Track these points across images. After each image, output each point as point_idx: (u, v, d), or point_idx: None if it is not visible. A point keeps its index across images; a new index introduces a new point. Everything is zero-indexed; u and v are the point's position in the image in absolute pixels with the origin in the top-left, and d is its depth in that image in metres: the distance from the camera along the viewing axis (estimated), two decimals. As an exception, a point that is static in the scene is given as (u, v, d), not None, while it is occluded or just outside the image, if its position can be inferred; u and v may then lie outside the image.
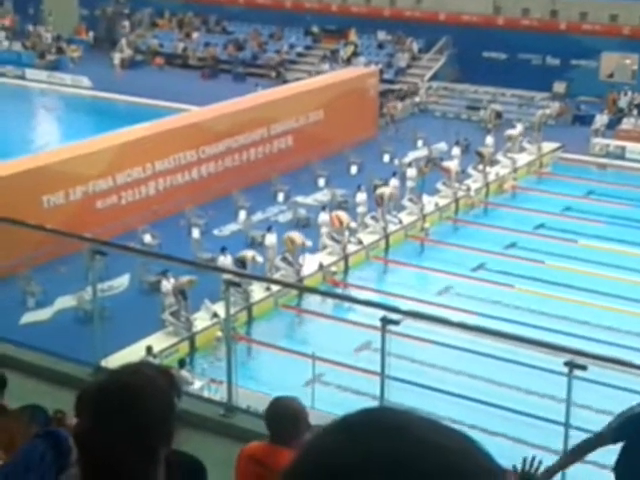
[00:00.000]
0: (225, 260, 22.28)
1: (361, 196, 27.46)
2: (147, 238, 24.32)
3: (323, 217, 26.01)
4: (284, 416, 4.52)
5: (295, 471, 1.21)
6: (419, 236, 27.62)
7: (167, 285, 21.14)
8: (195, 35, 50.23)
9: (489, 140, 33.33)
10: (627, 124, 36.89)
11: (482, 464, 1.24)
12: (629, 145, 34.66)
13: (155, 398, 2.09)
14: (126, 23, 52.43)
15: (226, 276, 8.92)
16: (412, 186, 29.38)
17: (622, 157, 34.37)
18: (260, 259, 22.53)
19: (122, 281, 21.58)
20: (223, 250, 22.66)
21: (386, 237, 26.82)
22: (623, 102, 39.20)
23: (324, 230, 25.74)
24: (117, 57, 47.80)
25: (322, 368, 18.63)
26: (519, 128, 34.58)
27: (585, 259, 25.32)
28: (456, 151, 32.20)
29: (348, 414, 1.26)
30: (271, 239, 24.12)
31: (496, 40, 42.39)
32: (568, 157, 34.50)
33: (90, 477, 2.06)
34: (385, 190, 27.14)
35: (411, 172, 29.86)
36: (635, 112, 38.18)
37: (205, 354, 20.54)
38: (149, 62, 48.70)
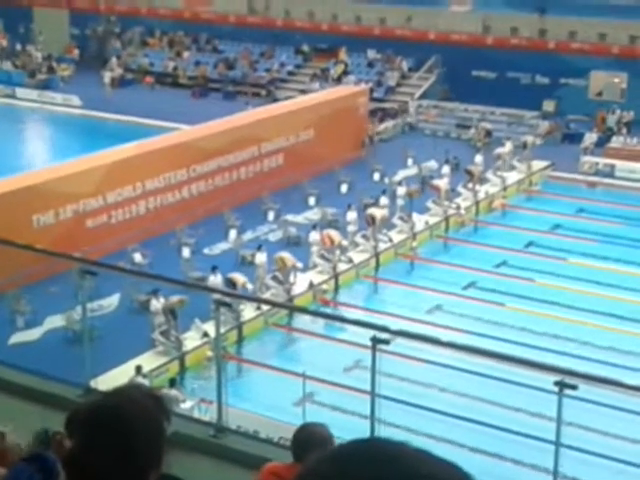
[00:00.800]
0: (215, 279, 22.25)
1: (351, 215, 27.50)
2: (137, 257, 24.27)
3: (314, 236, 26.02)
4: (313, 441, 4.57)
5: None
6: (409, 255, 27.64)
7: (156, 304, 21.09)
8: (186, 54, 50.34)
9: (478, 158, 33.43)
10: (616, 142, 37.05)
11: None
12: (618, 163, 34.80)
13: (145, 421, 2.08)
14: (117, 42, 52.53)
15: (216, 296, 8.90)
16: (402, 204, 29.43)
17: (611, 175, 34.51)
18: (250, 286, 22.40)
19: (112, 301, 21.53)
20: (214, 269, 22.63)
21: (376, 256, 26.83)
22: (612, 120, 39.41)
23: (315, 249, 25.75)
24: (107, 76, 47.82)
25: (313, 387, 18.58)
26: (508, 146, 34.70)
27: (575, 277, 25.38)
28: (446, 169, 32.29)
29: (342, 444, 1.27)
30: (261, 258, 24.10)
31: (485, 59, 42.61)
32: (558, 175, 34.63)
33: None
34: (377, 213, 27.13)
35: (401, 190, 29.94)
36: (624, 130, 38.38)
37: (195, 374, 20.48)
38: (139, 81, 48.76)
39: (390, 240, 27.56)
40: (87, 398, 2.14)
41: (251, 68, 48.06)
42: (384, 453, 1.24)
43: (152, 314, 21.21)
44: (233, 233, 27.23)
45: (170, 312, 20.74)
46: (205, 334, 20.32)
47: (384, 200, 29.06)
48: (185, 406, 17.37)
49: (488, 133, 38.36)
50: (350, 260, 26.10)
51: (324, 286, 24.80)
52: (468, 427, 17.48)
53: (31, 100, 46.12)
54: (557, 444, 7.03)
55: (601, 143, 36.79)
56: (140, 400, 2.14)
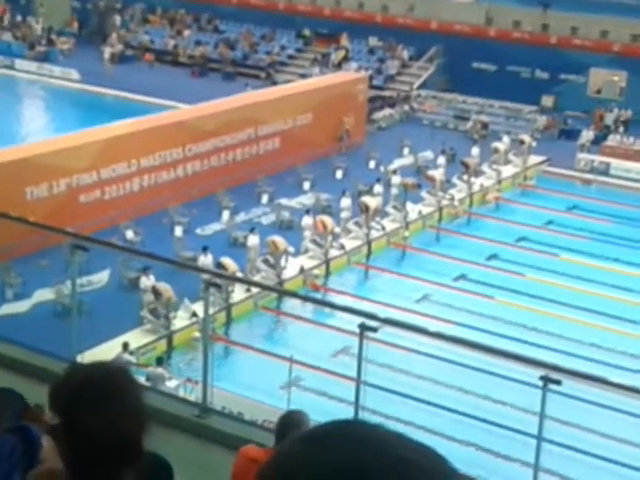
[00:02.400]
0: (206, 259, 22.24)
1: (345, 201, 27.49)
2: (129, 234, 24.26)
3: (306, 220, 26.01)
4: (293, 427, 4.64)
5: (262, 475, 1.26)
6: (401, 243, 27.67)
7: (146, 282, 21.08)
8: (186, 33, 50.18)
9: (475, 151, 33.43)
10: (613, 141, 37.08)
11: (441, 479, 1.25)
12: (614, 162, 34.84)
13: (132, 391, 2.11)
14: (117, 18, 52.31)
15: (206, 276, 8.90)
16: (396, 193, 29.43)
17: (606, 173, 34.55)
18: (240, 275, 22.36)
19: (102, 277, 21.52)
20: (204, 249, 22.62)
21: (368, 243, 26.85)
22: (609, 119, 39.43)
23: (307, 233, 25.75)
24: (107, 51, 47.64)
25: (299, 372, 18.61)
26: (506, 140, 34.68)
27: (566, 273, 25.43)
28: (442, 160, 32.29)
29: (317, 425, 1.28)
30: (253, 240, 24.09)
31: (486, 51, 42.56)
32: (553, 171, 34.66)
33: (71, 470, 2.07)
34: (371, 203, 27.10)
35: (396, 179, 29.92)
36: (621, 129, 38.40)
37: (182, 353, 20.50)
38: (139, 58, 48.59)
39: (383, 228, 27.58)
40: (66, 371, 2.15)
41: (252, 50, 47.93)
42: (359, 435, 1.25)
43: (142, 291, 21.22)
44: (226, 214, 27.21)
45: (155, 292, 20.73)
46: (194, 314, 20.32)
47: (378, 188, 29.06)
48: (171, 385, 17.40)
49: (484, 125, 38.36)
50: (342, 247, 26.12)
51: (315, 271, 24.82)
52: (452, 417, 17.55)
53: (30, 72, 45.95)
54: (539, 438, 7.06)
55: (598, 141, 36.82)
56: (123, 371, 2.18)
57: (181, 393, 16.15)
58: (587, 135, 37.03)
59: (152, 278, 20.97)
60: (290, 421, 4.71)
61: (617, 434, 17.40)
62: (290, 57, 47.57)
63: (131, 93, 40.48)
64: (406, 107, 41.27)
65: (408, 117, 40.66)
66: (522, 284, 24.93)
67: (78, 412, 2.06)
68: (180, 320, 20.95)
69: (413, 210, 28.91)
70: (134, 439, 2.08)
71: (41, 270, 20.92)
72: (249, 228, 24.94)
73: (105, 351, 17.22)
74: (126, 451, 2.06)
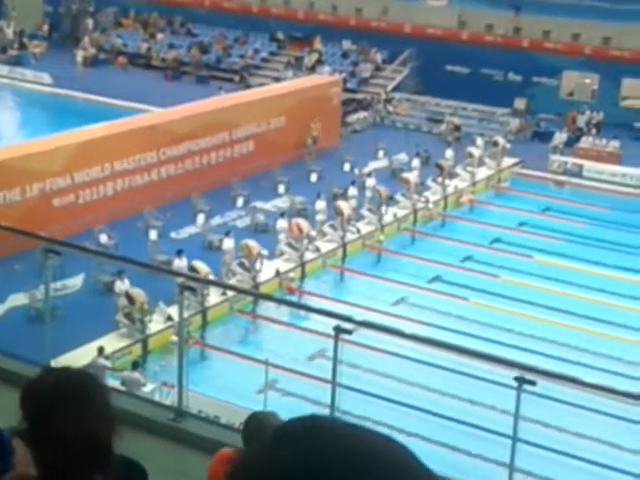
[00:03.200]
0: (181, 263, 22.18)
1: (320, 204, 27.51)
2: (103, 238, 24.15)
3: (281, 224, 26.01)
4: (262, 428, 4.63)
5: (231, 475, 1.29)
6: (376, 246, 27.74)
7: (121, 286, 20.99)
8: (159, 36, 50.01)
9: (449, 153, 33.56)
10: (585, 143, 37.35)
11: (407, 471, 1.26)
12: (586, 163, 35.09)
13: (98, 392, 2.11)
14: (90, 21, 52.06)
15: (181, 280, 8.88)
16: (371, 196, 29.47)
17: (579, 175, 34.78)
18: (212, 277, 22.29)
19: (76, 281, 21.40)
20: (179, 253, 22.56)
21: (344, 246, 26.89)
22: (582, 121, 39.71)
23: (282, 237, 25.75)
24: (80, 55, 47.41)
25: (275, 375, 18.60)
26: (480, 143, 34.79)
27: (540, 275, 25.57)
28: (416, 163, 32.39)
29: (285, 422, 1.30)
30: (229, 244, 24.06)
31: (459, 54, 42.72)
32: (526, 173, 34.85)
33: (43, 474, 2.06)
34: (345, 208, 27.12)
35: (370, 182, 29.95)
36: (593, 131, 38.68)
37: (158, 357, 20.42)
38: (112, 61, 48.38)
39: (358, 231, 27.63)
40: (37, 375, 2.15)
41: (225, 53, 47.86)
42: (326, 431, 1.26)
43: (116, 295, 21.14)
44: (201, 218, 27.15)
45: (128, 297, 20.65)
46: (169, 318, 20.26)
47: (353, 191, 29.11)
48: (146, 389, 17.33)
49: (457, 128, 38.52)
50: (317, 249, 26.14)
51: (291, 274, 24.82)
52: (427, 419, 17.64)
53: (1, 76, 45.61)
54: (514, 439, 7.09)
55: (570, 143, 37.07)
56: (92, 375, 2.18)
57: (157, 397, 16.09)
58: (560, 137, 37.27)
59: (127, 282, 20.88)
60: (261, 423, 4.71)
61: (592, 434, 17.51)
62: (264, 60, 47.53)
63: (104, 97, 40.28)
64: (380, 110, 41.36)
65: (382, 120, 40.75)
66: (496, 286, 25.05)
67: (48, 416, 2.05)
68: (155, 324, 20.88)
69: (388, 213, 28.99)
70: (104, 443, 2.08)
71: (14, 275, 20.78)
72: (224, 232, 24.90)
73: (80, 356, 17.14)
74: (96, 455, 2.06)
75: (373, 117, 40.84)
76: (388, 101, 41.97)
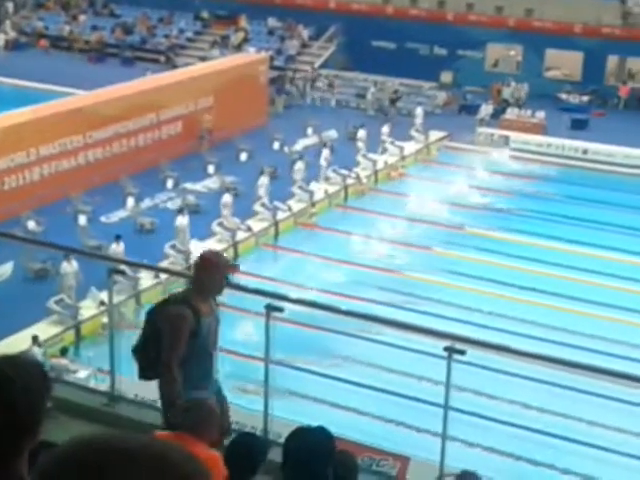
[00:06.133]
0: (118, 248, 22.01)
1: (263, 179, 27.52)
2: (31, 225, 23.81)
3: (226, 199, 26.00)
4: (200, 412, 4.86)
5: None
6: (308, 223, 27.83)
7: (67, 267, 20.69)
8: (82, 18, 49.19)
9: (385, 129, 33.77)
10: (511, 114, 37.85)
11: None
12: (512, 135, 35.57)
13: (23, 387, 2.09)
14: (10, 4, 50.96)
15: (110, 264, 8.84)
16: (301, 172, 29.42)
17: (506, 146, 35.21)
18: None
19: (5, 269, 21.09)
20: (117, 238, 22.38)
21: (275, 224, 26.92)
22: (507, 93, 40.20)
23: (225, 212, 25.69)
24: (1, 38, 46.45)
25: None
26: (386, 128, 34.86)
27: (471, 246, 25.95)
28: (362, 134, 32.48)
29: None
30: (182, 221, 24.08)
31: (385, 29, 42.86)
32: (454, 146, 35.21)
33: None
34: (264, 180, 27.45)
35: (300, 162, 29.78)
36: (519, 102, 39.21)
37: (93, 343, 20.25)
38: (34, 45, 47.48)
39: (289, 209, 27.67)
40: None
41: (149, 34, 47.31)
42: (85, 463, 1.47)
43: (61, 276, 20.86)
44: (131, 201, 26.93)
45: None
46: (102, 303, 20.08)
47: (300, 165, 29.03)
48: (80, 375, 17.20)
49: (393, 101, 38.84)
50: (249, 228, 26.13)
51: (226, 254, 24.80)
52: (360, 391, 17.82)
53: None
54: (446, 407, 7.23)
55: (496, 115, 37.54)
56: (20, 363, 2.15)
57: (92, 383, 15.97)
58: (486, 109, 37.72)
59: (74, 264, 20.57)
60: (200, 408, 4.83)
61: (523, 400, 17.88)
62: (189, 40, 47.10)
63: (27, 81, 39.54)
64: (308, 87, 41.35)
65: (311, 97, 40.74)
66: (428, 258, 25.35)
67: None
68: (88, 309, 20.70)
69: (319, 189, 29.08)
70: (27, 427, 2.08)
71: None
72: (155, 214, 24.76)
73: (11, 344, 16.92)
74: (19, 439, 2.06)
75: (302, 94, 40.80)
76: (315, 78, 41.96)
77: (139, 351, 6.09)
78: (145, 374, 6.06)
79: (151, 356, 5.86)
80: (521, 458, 16.14)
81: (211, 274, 5.86)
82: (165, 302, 6.05)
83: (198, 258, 6.05)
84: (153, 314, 6.04)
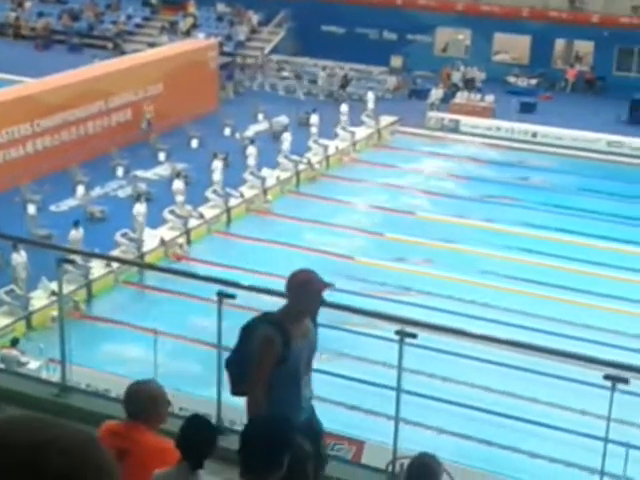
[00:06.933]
0: (77, 234, 21.84)
1: (217, 164, 27.42)
2: (-21, 215, 23.49)
3: (177, 185, 25.86)
4: (142, 397, 4.70)
5: None
6: (261, 209, 27.79)
7: (18, 258, 20.44)
8: (28, 4, 48.46)
9: (343, 108, 34.00)
10: (460, 98, 38.06)
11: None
12: (463, 119, 35.78)
13: None
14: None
15: (59, 253, 8.76)
16: (253, 158, 29.32)
17: (456, 130, 35.44)
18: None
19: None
20: (76, 224, 22.19)
21: (228, 211, 26.84)
22: (456, 77, 40.42)
23: (180, 198, 25.55)
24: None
25: (166, 343, 18.49)
26: (344, 107, 34.94)
27: (421, 230, 26.10)
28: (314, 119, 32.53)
29: None
30: (140, 209, 23.94)
31: (335, 14, 42.82)
32: (405, 130, 35.33)
33: None
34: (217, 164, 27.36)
35: (252, 148, 29.67)
36: (468, 86, 39.45)
37: (44, 334, 20.06)
38: (-22, 32, 46.76)
39: (241, 195, 27.60)
40: None
41: (97, 20, 46.76)
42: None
43: (12, 268, 20.61)
44: (81, 189, 26.68)
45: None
46: (53, 293, 19.88)
47: (252, 150, 28.94)
48: (31, 367, 17.03)
49: (343, 86, 38.91)
50: (201, 216, 26.03)
51: (180, 240, 24.69)
52: (315, 377, 17.83)
53: None
54: (398, 391, 7.28)
55: (446, 99, 37.72)
56: None
57: (44, 374, 15.83)
58: (436, 94, 37.88)
59: (23, 254, 20.32)
60: (144, 392, 4.75)
61: (476, 381, 18.04)
62: (137, 26, 46.66)
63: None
64: (258, 73, 41.20)
65: (261, 83, 40.60)
66: (380, 243, 25.45)
67: None
68: (39, 300, 20.50)
69: (271, 176, 29.03)
70: None
71: None
72: (104, 202, 24.58)
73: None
74: None
75: (252, 80, 40.64)
76: (264, 64, 41.80)
77: (232, 366, 5.71)
78: (236, 390, 5.66)
79: (242, 373, 5.50)
80: (480, 440, 16.28)
81: (305, 294, 5.52)
82: (258, 320, 5.63)
83: (291, 277, 5.60)
84: (246, 331, 5.64)
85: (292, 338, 5.44)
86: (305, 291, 5.49)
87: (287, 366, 5.43)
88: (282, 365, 5.41)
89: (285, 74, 40.94)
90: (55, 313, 18.25)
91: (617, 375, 6.12)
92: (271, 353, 5.37)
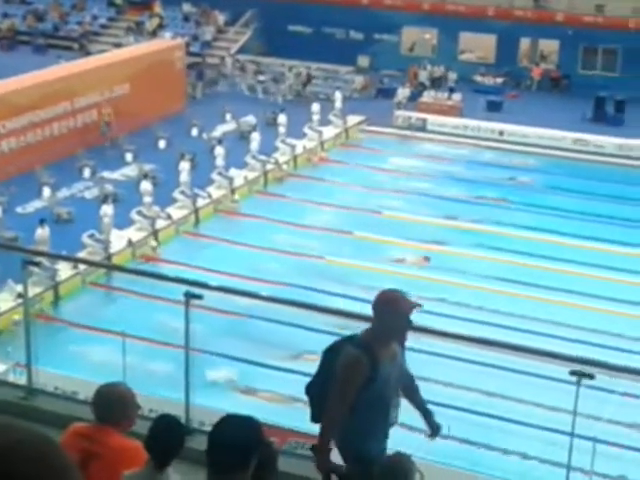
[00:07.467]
0: (43, 232, 21.67)
1: (184, 164, 27.30)
2: (-56, 218, 23.28)
3: (145, 186, 25.73)
4: (111, 399, 4.66)
5: None
6: (229, 210, 27.73)
7: None
8: (-8, 5, 48.08)
9: (314, 106, 33.98)
10: (427, 97, 38.20)
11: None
12: (430, 117, 35.91)
13: None
14: None
15: (24, 255, 8.70)
16: (221, 158, 29.25)
17: (423, 129, 35.56)
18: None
19: None
20: (42, 222, 22.04)
21: (195, 212, 26.75)
22: (423, 76, 40.56)
23: (147, 199, 25.43)
24: None
25: (133, 345, 18.39)
26: (315, 106, 34.95)
27: (388, 228, 26.17)
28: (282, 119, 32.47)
29: None
30: (107, 210, 23.81)
31: (301, 14, 42.81)
32: (372, 130, 35.39)
33: None
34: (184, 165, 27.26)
35: (220, 149, 29.57)
36: (435, 85, 39.61)
37: (11, 337, 19.88)
38: (-59, 33, 46.22)
39: (209, 196, 27.53)
40: None
41: (62, 20, 46.44)
42: None
43: None
44: (47, 191, 26.51)
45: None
46: (19, 295, 19.70)
47: (220, 150, 28.85)
48: (-3, 370, 16.86)
49: (305, 84, 38.89)
50: (169, 216, 25.93)
51: (152, 242, 24.58)
52: (286, 377, 17.87)
53: None
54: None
55: (413, 98, 37.83)
56: None
57: (11, 377, 15.68)
58: (403, 93, 37.98)
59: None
60: (113, 394, 4.72)
61: (441, 378, 18.10)
62: (103, 27, 46.38)
63: None
64: (225, 73, 41.11)
65: (228, 83, 40.51)
66: (349, 242, 25.48)
67: None
68: (5, 302, 20.31)
69: (239, 176, 28.98)
70: None
71: None
72: (71, 203, 24.44)
73: None
74: None
75: (219, 80, 40.54)
76: (224, 64, 41.68)
77: (313, 387, 5.48)
78: (319, 415, 5.37)
79: (324, 395, 5.23)
80: (453, 438, 16.34)
81: (391, 313, 5.20)
82: (343, 342, 5.39)
83: (377, 296, 5.34)
84: (330, 353, 5.40)
85: (380, 361, 5.22)
86: (391, 310, 5.21)
87: (374, 389, 5.19)
88: (369, 388, 5.18)
89: (252, 75, 40.85)
90: (17, 317, 18.16)
91: (583, 371, 6.17)
92: (357, 374, 5.16)
